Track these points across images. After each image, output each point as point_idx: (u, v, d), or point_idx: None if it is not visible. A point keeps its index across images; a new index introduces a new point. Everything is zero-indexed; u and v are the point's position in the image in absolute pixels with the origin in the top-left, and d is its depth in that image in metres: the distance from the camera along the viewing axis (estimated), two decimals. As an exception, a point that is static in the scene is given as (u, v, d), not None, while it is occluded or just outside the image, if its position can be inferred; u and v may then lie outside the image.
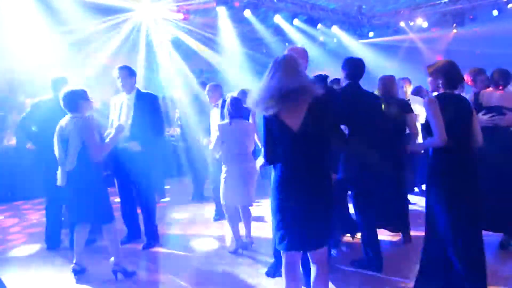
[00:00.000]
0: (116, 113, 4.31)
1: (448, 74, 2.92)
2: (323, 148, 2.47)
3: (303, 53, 3.27)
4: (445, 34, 10.90)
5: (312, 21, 10.34)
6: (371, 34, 11.43)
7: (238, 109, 4.09)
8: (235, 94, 5.88)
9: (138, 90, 4.34)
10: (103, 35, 9.50)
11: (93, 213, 3.51)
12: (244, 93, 5.17)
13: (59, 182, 3.50)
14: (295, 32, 10.80)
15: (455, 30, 10.60)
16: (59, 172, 3.50)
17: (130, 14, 8.88)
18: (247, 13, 9.32)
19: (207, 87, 5.28)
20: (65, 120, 3.50)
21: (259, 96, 2.42)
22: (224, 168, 4.19)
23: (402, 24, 10.94)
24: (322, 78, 3.65)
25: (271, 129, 2.47)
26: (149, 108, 4.27)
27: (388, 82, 4.38)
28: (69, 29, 8.46)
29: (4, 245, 4.68)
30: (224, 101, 5.35)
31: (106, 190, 3.63)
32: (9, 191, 6.77)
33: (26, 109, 4.70)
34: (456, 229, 2.84)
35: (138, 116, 4.20)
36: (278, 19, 10.03)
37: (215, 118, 4.98)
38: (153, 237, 4.44)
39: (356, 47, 11.67)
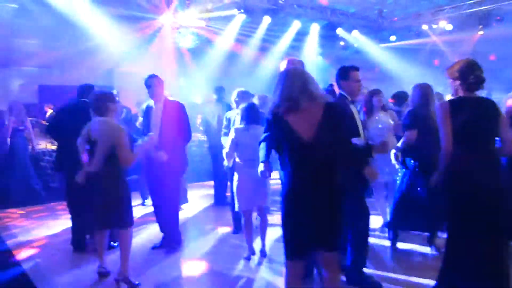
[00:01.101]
0: (146, 121, 4.44)
1: (465, 75, 2.80)
2: (333, 158, 2.42)
3: (300, 64, 3.35)
4: (470, 36, 10.70)
5: (332, 26, 10.35)
6: (392, 38, 11.32)
7: (253, 114, 4.14)
8: (255, 99, 5.96)
9: (166, 99, 4.39)
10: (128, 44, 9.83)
11: (114, 217, 3.54)
12: (264, 98, 5.22)
13: (78, 179, 3.53)
14: (315, 37, 10.85)
15: (481, 32, 10.38)
16: (81, 172, 3.53)
17: (155, 22, 9.13)
18: (267, 19, 9.42)
19: (235, 93, 5.20)
20: (93, 122, 3.52)
21: (272, 104, 2.48)
22: (236, 176, 4.21)
23: (424, 27, 10.79)
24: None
25: (280, 137, 2.47)
26: (177, 116, 4.31)
27: (427, 90, 4.11)
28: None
29: (31, 246, 4.86)
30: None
31: (130, 194, 3.66)
32: (43, 192, 7.04)
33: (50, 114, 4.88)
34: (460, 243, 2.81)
35: (166, 124, 4.24)
36: (297, 24, 10.09)
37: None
38: (175, 242, 4.50)
39: (377, 51, 11.61)
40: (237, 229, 5.11)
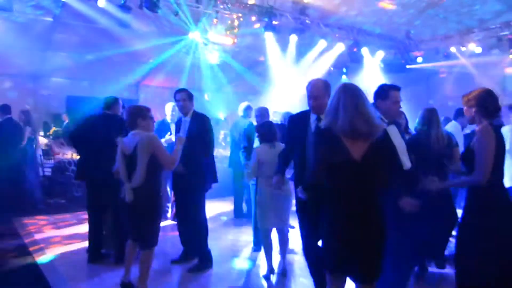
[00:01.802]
0: (176, 134, 4.49)
1: (483, 103, 2.83)
2: (378, 179, 2.44)
3: (326, 85, 3.28)
4: (501, 59, 10.46)
5: (357, 46, 10.31)
6: (419, 59, 11.18)
7: (272, 132, 4.20)
8: (276, 116, 5.96)
9: (194, 112, 4.40)
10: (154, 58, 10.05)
11: (144, 234, 3.52)
12: (286, 114, 5.24)
13: (127, 198, 3.44)
14: (339, 57, 10.83)
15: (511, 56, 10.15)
16: (126, 189, 3.46)
17: (182, 38, 9.30)
18: (293, 38, 9.48)
19: (254, 111, 5.30)
20: (128, 137, 3.56)
21: (327, 120, 2.49)
22: (258, 193, 4.22)
23: (453, 49, 10.62)
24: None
25: (327, 154, 2.45)
26: (201, 129, 4.31)
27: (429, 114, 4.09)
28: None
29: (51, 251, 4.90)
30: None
31: (161, 214, 3.70)
32: (67, 201, 7.17)
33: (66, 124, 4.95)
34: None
35: (192, 137, 4.23)
36: (322, 43, 10.10)
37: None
38: (206, 262, 4.41)
39: (403, 72, 11.47)
40: (257, 247, 5.04)
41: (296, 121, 3.44)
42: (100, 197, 4.37)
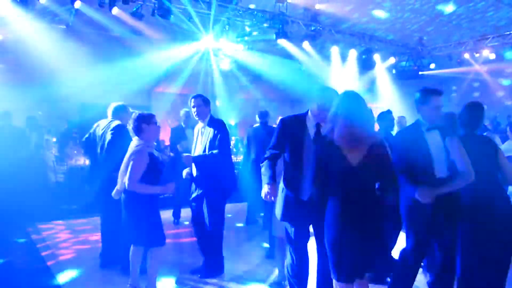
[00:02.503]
0: (194, 141, 4.42)
1: None
2: (375, 181, 2.56)
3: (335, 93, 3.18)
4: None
5: (369, 52, 10.28)
6: (432, 65, 11.10)
7: None
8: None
9: (211, 117, 4.31)
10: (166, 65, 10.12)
11: (145, 235, 3.57)
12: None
13: (113, 194, 3.71)
14: (351, 62, 10.81)
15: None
16: (116, 188, 3.69)
17: (193, 45, 9.37)
18: (306, 44, 9.48)
19: (279, 118, 5.19)
20: (132, 142, 3.66)
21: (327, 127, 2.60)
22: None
23: (466, 55, 10.53)
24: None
25: (327, 160, 2.56)
26: (216, 133, 4.20)
27: None
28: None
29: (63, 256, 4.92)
30: None
31: (158, 212, 3.66)
32: (80, 206, 7.20)
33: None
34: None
35: (209, 142, 4.17)
36: (335, 50, 10.09)
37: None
38: (215, 269, 4.34)
39: (415, 79, 11.39)
40: (271, 253, 5.01)
41: (290, 124, 3.27)
42: (111, 202, 4.33)
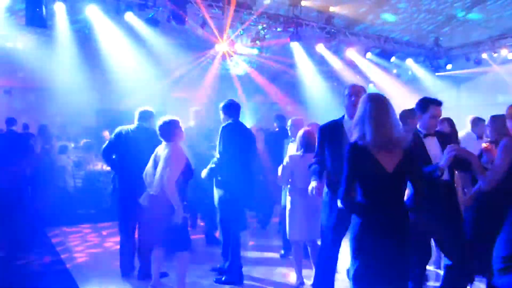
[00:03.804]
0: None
1: None
2: (404, 189, 2.52)
3: (364, 90, 3.27)
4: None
5: (385, 54, 10.19)
6: (449, 66, 10.92)
7: (307, 143, 4.09)
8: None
9: (231, 121, 4.31)
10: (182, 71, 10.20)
11: (170, 239, 3.60)
12: (317, 126, 5.15)
13: (141, 200, 3.72)
14: (368, 65, 10.72)
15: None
16: (145, 193, 3.73)
17: (208, 50, 9.42)
18: (320, 47, 9.45)
19: (289, 121, 5.17)
20: (161, 147, 3.73)
21: (359, 137, 2.47)
22: (289, 202, 4.15)
23: (484, 55, 10.33)
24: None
25: (358, 165, 2.46)
26: (219, 139, 4.28)
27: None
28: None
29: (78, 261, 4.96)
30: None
31: (186, 218, 3.73)
32: (96, 212, 7.29)
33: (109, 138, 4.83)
34: None
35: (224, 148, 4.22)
36: (350, 52, 10.02)
37: (292, 153, 4.99)
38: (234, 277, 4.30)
39: (432, 80, 11.24)
40: (286, 254, 5.07)
41: (328, 130, 3.37)
42: (132, 209, 4.32)
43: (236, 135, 4.23)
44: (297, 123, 5.20)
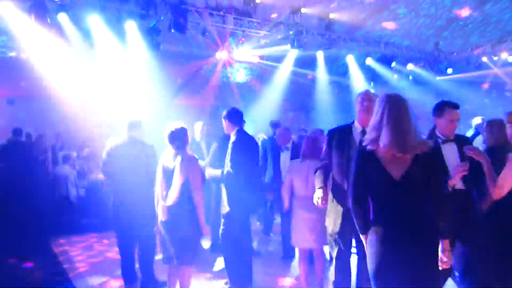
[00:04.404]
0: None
1: None
2: (426, 200, 2.28)
3: (375, 97, 3.21)
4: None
5: (386, 59, 10.22)
6: (449, 70, 10.95)
7: (312, 148, 4.07)
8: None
9: (238, 131, 4.17)
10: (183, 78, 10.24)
11: (181, 251, 3.51)
12: (321, 132, 5.18)
13: (160, 217, 3.52)
14: (368, 71, 10.76)
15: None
16: (159, 207, 3.55)
17: (210, 58, 9.48)
18: (319, 54, 9.50)
19: (277, 130, 5.26)
20: (169, 156, 3.60)
21: (374, 140, 2.31)
22: (293, 211, 4.11)
23: (484, 59, 10.36)
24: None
25: (367, 173, 2.33)
26: (229, 150, 4.09)
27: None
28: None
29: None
30: (293, 144, 5.37)
31: (200, 230, 3.60)
32: (99, 221, 7.28)
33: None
34: None
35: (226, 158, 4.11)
36: (350, 58, 10.07)
37: (285, 161, 5.01)
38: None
39: (433, 84, 11.27)
40: (285, 254, 5.21)
41: (337, 134, 3.34)
42: (131, 221, 4.21)
43: (247, 148, 4.13)
44: (282, 132, 5.26)
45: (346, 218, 3.11)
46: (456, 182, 2.98)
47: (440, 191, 2.32)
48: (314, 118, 11.25)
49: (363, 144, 2.36)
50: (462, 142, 3.20)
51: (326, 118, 9.99)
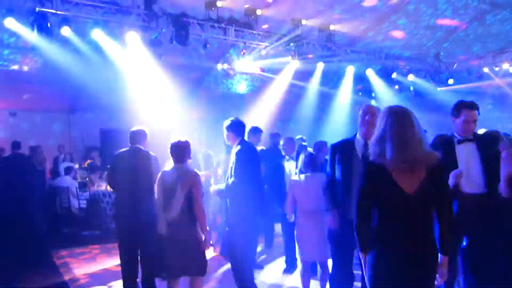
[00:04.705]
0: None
1: None
2: (431, 215, 2.23)
3: (377, 111, 3.19)
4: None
5: (386, 70, 10.25)
6: (450, 81, 10.95)
7: (311, 164, 4.07)
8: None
9: (239, 143, 4.10)
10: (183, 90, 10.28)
11: (191, 264, 3.47)
12: (322, 143, 5.17)
13: (159, 230, 3.49)
14: (369, 82, 10.78)
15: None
16: (160, 220, 3.51)
17: (210, 69, 9.53)
18: (319, 65, 9.53)
19: (282, 140, 5.27)
20: (170, 169, 3.59)
21: (372, 150, 2.26)
22: (297, 224, 4.11)
23: (485, 69, 10.37)
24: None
25: (374, 188, 2.23)
26: (233, 161, 4.05)
27: None
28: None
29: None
30: (298, 153, 5.37)
31: (201, 240, 3.57)
32: (102, 232, 7.26)
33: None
34: None
35: (230, 169, 4.07)
36: (351, 69, 10.09)
37: (291, 170, 4.99)
38: None
39: (434, 95, 11.27)
40: (288, 267, 5.18)
41: (339, 149, 3.36)
42: (134, 232, 4.16)
43: (252, 158, 4.09)
44: (288, 142, 5.27)
45: (347, 230, 3.08)
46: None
47: (450, 206, 2.27)
48: (292, 128, 11.30)
49: (369, 158, 2.28)
50: (483, 142, 3.20)
51: (303, 128, 10.02)
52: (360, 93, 11.62)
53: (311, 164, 4.04)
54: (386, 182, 2.18)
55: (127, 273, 4.33)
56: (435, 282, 2.24)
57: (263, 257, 6.11)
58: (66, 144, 10.58)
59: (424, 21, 8.68)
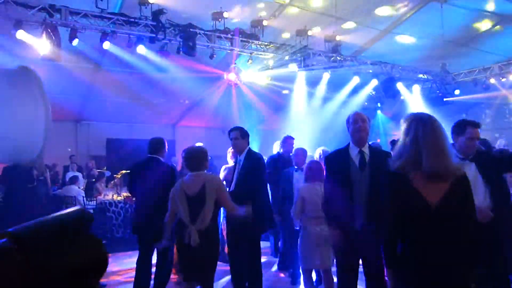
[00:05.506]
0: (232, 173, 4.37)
1: None
2: (464, 231, 2.05)
3: (367, 119, 3.24)
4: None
5: (391, 80, 10.25)
6: (456, 92, 10.93)
7: (314, 171, 4.09)
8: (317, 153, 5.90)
9: (249, 150, 4.19)
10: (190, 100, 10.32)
11: (204, 274, 3.44)
12: (324, 152, 5.17)
13: (193, 242, 3.30)
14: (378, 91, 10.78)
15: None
16: (191, 231, 3.32)
17: (215, 79, 9.58)
18: (325, 75, 9.55)
19: (293, 151, 5.25)
20: (188, 179, 3.51)
21: (396, 161, 2.14)
22: (303, 232, 4.10)
23: (492, 80, 10.35)
24: None
25: (399, 201, 2.10)
26: (252, 167, 4.11)
27: None
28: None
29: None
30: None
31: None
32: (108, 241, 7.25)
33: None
34: None
35: (243, 176, 4.12)
36: (356, 79, 10.10)
37: (299, 181, 4.98)
38: None
39: (439, 105, 11.24)
40: (282, 265, 5.34)
41: (334, 159, 3.33)
42: (149, 241, 4.13)
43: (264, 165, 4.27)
44: (300, 153, 5.27)
45: (347, 237, 3.09)
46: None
47: (475, 221, 2.15)
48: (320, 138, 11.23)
49: (392, 169, 2.14)
50: (482, 160, 3.18)
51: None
52: (366, 103, 11.62)
53: (313, 174, 4.09)
54: (410, 194, 2.07)
55: (140, 280, 4.28)
56: None
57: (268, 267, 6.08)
58: (72, 153, 10.65)
59: (431, 31, 8.72)
